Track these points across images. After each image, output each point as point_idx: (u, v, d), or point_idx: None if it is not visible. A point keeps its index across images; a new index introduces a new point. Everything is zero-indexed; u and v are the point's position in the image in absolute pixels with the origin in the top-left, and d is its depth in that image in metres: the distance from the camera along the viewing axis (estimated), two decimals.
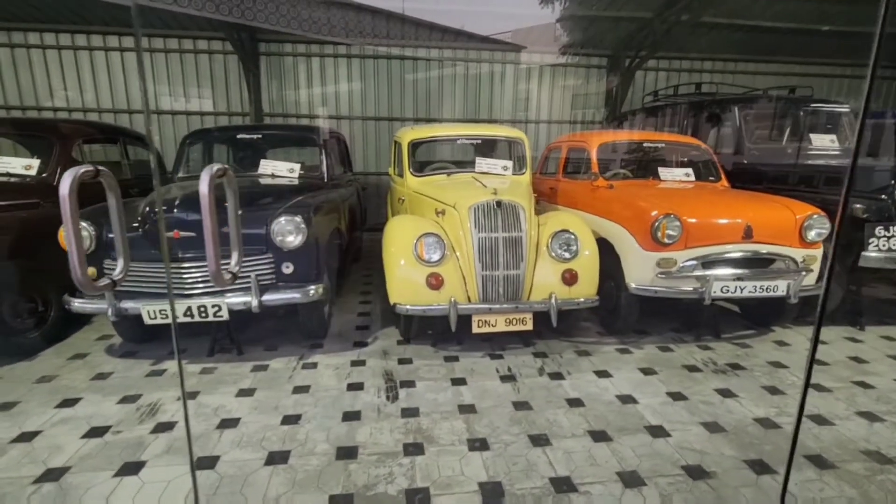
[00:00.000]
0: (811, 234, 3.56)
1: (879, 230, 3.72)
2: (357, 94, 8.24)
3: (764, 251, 3.50)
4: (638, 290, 3.51)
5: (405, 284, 3.29)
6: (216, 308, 2.99)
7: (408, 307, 3.27)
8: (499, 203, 3.32)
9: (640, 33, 7.60)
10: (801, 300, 3.84)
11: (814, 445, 2.52)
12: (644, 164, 4.77)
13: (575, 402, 2.92)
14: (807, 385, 1.18)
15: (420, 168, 4.58)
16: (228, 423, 2.64)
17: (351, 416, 2.73)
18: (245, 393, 2.97)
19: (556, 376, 3.26)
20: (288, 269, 3.18)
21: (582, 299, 3.43)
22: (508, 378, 3.22)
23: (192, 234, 3.01)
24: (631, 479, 2.24)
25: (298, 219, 3.12)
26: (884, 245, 3.73)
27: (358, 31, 7.82)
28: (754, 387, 3.14)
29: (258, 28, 7.40)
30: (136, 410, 2.76)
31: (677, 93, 6.48)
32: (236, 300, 3.02)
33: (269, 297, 3.10)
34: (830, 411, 2.86)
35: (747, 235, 3.47)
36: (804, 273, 3.48)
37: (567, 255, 3.41)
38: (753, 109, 5.19)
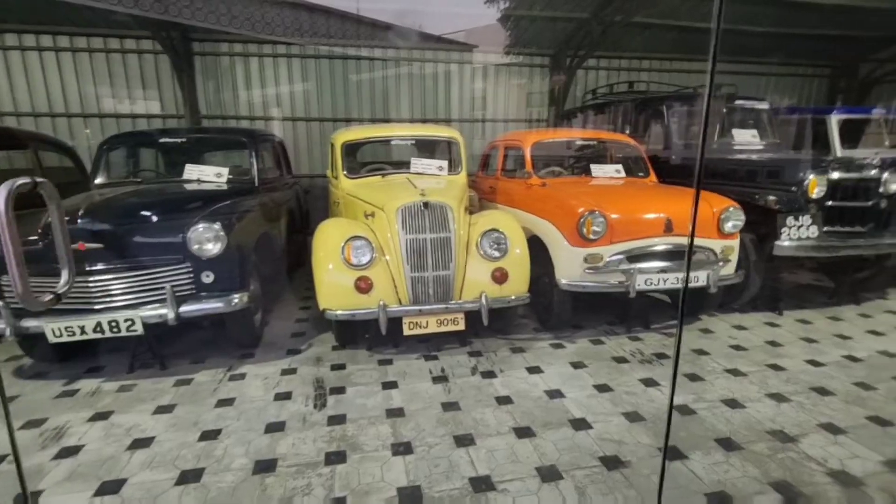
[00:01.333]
0: (728, 226, 3.73)
1: (790, 220, 3.94)
2: (304, 95, 8.06)
3: (685, 243, 3.64)
4: (567, 286, 3.58)
5: (334, 289, 3.23)
6: (129, 322, 2.84)
7: (337, 312, 3.21)
8: (426, 204, 3.31)
9: (578, 32, 7.77)
10: (722, 289, 4.03)
11: (724, 429, 2.64)
12: (577, 161, 4.88)
13: (504, 400, 2.95)
14: (674, 381, 1.22)
15: (357, 170, 4.51)
16: (141, 443, 2.51)
17: (274, 428, 2.66)
18: (164, 410, 2.84)
19: (489, 375, 3.28)
20: (208, 278, 3.06)
21: (513, 297, 3.47)
22: (440, 379, 3.21)
23: (100, 245, 2.84)
24: (549, 474, 2.27)
25: (217, 226, 3.01)
26: (794, 234, 3.95)
27: (310, 31, 7.64)
28: (676, 375, 3.26)
29: (193, 27, 7.15)
30: (40, 436, 2.59)
31: (612, 91, 6.66)
32: (151, 313, 2.88)
33: (188, 309, 2.98)
34: (744, 395, 3.00)
35: (668, 229, 3.60)
36: (722, 263, 3.64)
37: (497, 253, 3.44)
38: (680, 107, 5.40)
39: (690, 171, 5.10)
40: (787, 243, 3.94)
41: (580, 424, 2.69)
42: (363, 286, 3.22)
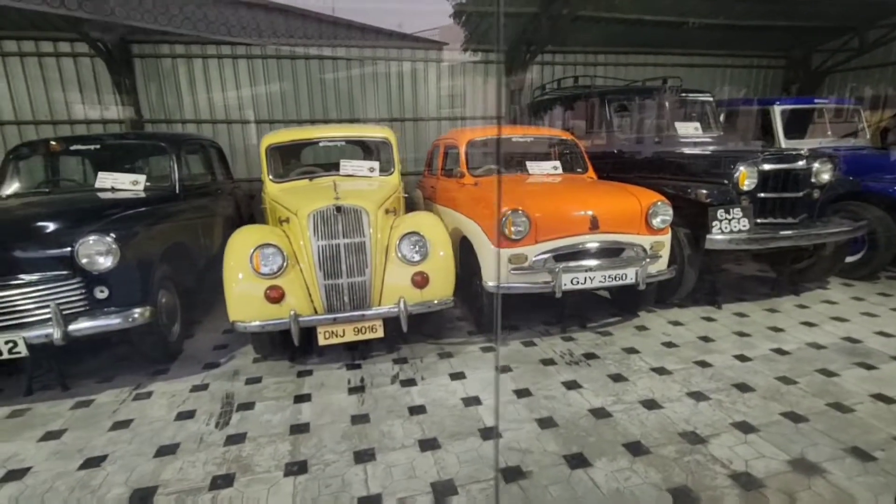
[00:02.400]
0: (656, 221, 3.67)
1: (721, 213, 3.90)
2: (253, 98, 7.83)
3: (611, 240, 3.57)
4: (493, 288, 3.49)
5: (243, 300, 3.08)
6: (11, 344, 2.66)
7: (247, 324, 3.06)
8: (338, 208, 3.18)
9: (530, 26, 7.68)
10: (656, 285, 3.98)
11: (636, 432, 2.57)
12: (515, 158, 4.79)
13: (417, 410, 2.84)
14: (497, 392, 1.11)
15: (284, 173, 4.36)
16: (14, 476, 2.34)
17: (166, 451, 2.51)
18: (51, 436, 2.67)
19: (409, 383, 3.17)
20: (102, 293, 2.89)
21: (435, 301, 3.35)
22: (357, 390, 3.09)
23: None
24: (444, 489, 2.17)
25: (109, 238, 2.84)
26: (726, 227, 3.91)
27: (264, 31, 7.42)
28: (601, 376, 3.19)
29: (132, 29, 6.89)
30: None
31: (560, 87, 6.60)
32: (35, 333, 2.71)
33: (79, 327, 2.80)
34: (664, 395, 2.94)
35: (593, 226, 3.53)
36: (648, 260, 3.57)
37: (416, 257, 3.32)
38: (621, 101, 5.35)
39: (633, 165, 5.06)
40: (718, 237, 3.89)
41: (490, 433, 2.59)
42: (274, 296, 3.07)
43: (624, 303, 4.28)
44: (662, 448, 2.43)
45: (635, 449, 2.42)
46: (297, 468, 2.35)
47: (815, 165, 4.16)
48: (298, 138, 4.45)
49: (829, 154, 4.22)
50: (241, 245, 3.17)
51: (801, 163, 4.04)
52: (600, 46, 9.12)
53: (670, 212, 3.71)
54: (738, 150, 4.25)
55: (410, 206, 5.38)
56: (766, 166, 4.04)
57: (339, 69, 8.13)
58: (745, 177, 3.96)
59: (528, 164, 4.57)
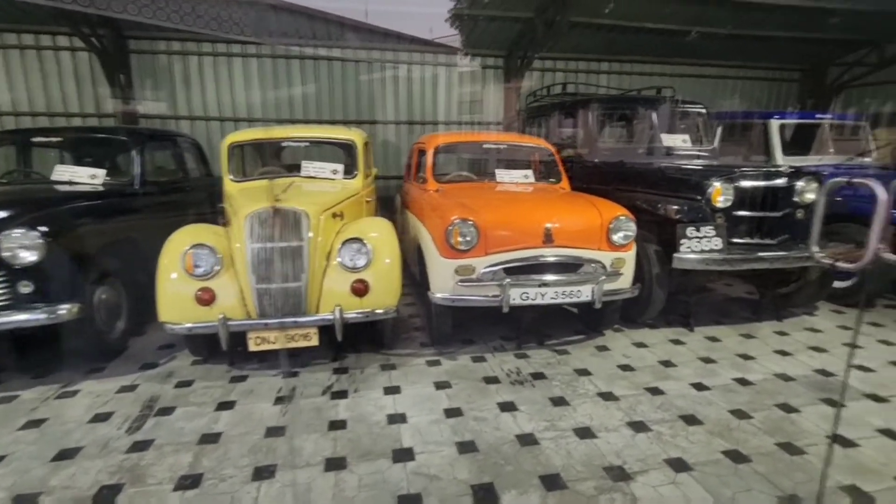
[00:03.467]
0: (617, 237, 3.48)
1: (691, 231, 3.68)
2: (247, 97, 7.84)
3: (565, 255, 3.38)
4: (439, 300, 3.34)
5: (173, 300, 3.01)
6: None
7: (175, 326, 2.98)
8: (276, 210, 3.08)
9: (527, 32, 7.53)
10: (620, 303, 3.79)
11: (559, 463, 2.39)
12: (487, 165, 4.64)
13: (338, 425, 2.71)
14: None
15: (244, 172, 4.29)
16: None
17: (66, 455, 2.43)
18: None
19: (340, 395, 3.04)
20: (27, 287, 2.84)
21: (380, 310, 3.22)
22: (284, 399, 2.98)
23: None
24: None
25: (35, 232, 2.79)
26: (695, 246, 3.69)
27: (260, 30, 7.45)
28: (542, 398, 3.01)
29: (128, 24, 6.96)
30: None
31: (549, 94, 6.42)
32: None
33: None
34: (603, 423, 2.75)
35: (547, 239, 3.35)
36: (604, 277, 3.38)
37: (357, 264, 3.20)
38: (606, 110, 5.16)
39: (613, 176, 4.85)
40: (688, 255, 3.67)
41: (403, 455, 2.44)
42: (204, 297, 2.99)
43: (589, 320, 4.08)
44: (581, 483, 2.24)
45: (551, 483, 2.25)
46: (189, 482, 2.24)
47: (799, 184, 3.91)
48: (261, 137, 4.38)
49: (814, 172, 3.96)
50: (177, 244, 3.10)
51: (780, 180, 3.79)
52: (605, 55, 8.91)
53: (633, 227, 3.51)
54: (714, 165, 4.01)
55: (392, 212, 5.30)
56: (744, 183, 3.81)
57: (337, 70, 8.10)
58: (719, 193, 3.74)
59: (498, 171, 4.41)
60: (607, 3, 6.30)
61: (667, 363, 3.52)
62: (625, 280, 3.59)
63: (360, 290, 3.18)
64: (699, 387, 3.18)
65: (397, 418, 2.78)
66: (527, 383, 3.21)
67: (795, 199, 3.94)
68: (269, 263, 3.05)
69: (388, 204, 5.78)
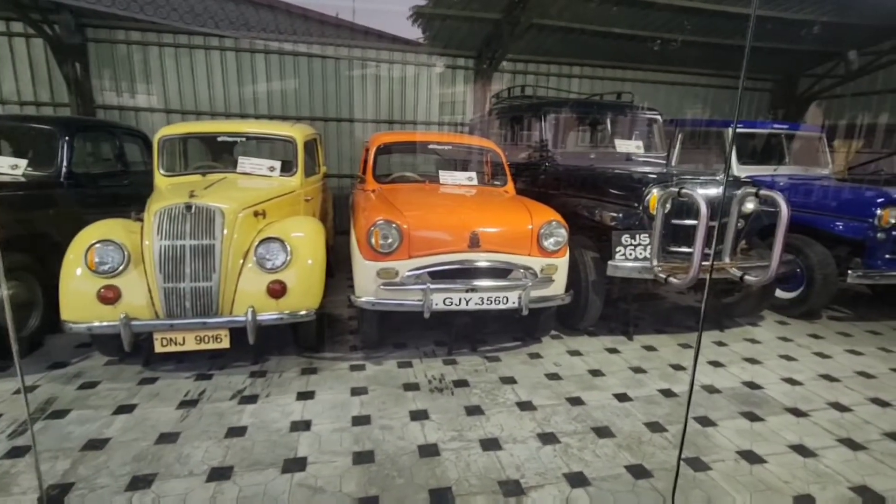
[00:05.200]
0: (548, 243, 3.41)
1: (626, 239, 3.63)
2: (210, 89, 7.69)
3: (492, 260, 3.31)
4: (360, 303, 3.25)
5: (75, 298, 2.88)
6: None
7: (74, 325, 2.85)
8: (188, 207, 2.96)
9: (496, 34, 7.46)
10: (553, 310, 3.72)
11: (454, 476, 2.30)
12: (433, 166, 4.56)
13: (236, 432, 2.60)
14: None
15: (177, 167, 4.16)
16: None
17: None
18: None
19: (250, 400, 2.93)
20: None
21: (302, 312, 3.12)
22: (189, 403, 2.86)
23: None
24: None
25: None
26: (630, 254, 3.64)
27: (244, 24, 7.31)
28: (457, 407, 2.93)
29: (84, 11, 6.80)
30: None
31: (510, 96, 6.36)
32: None
33: None
34: (512, 434, 2.67)
35: (473, 244, 3.27)
36: (531, 284, 3.30)
37: (274, 264, 3.09)
38: (558, 114, 5.09)
39: (562, 181, 4.79)
40: (622, 263, 3.61)
41: (294, 465, 2.34)
42: (108, 296, 2.86)
43: (526, 327, 4.01)
44: (470, 498, 2.16)
45: (439, 498, 2.16)
46: (57, 492, 2.12)
47: (738, 193, 3.87)
48: (194, 132, 4.26)
49: (754, 182, 3.93)
50: (83, 240, 2.97)
51: (718, 190, 3.75)
52: (577, 59, 8.87)
53: (564, 233, 3.45)
54: (654, 172, 3.96)
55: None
56: (684, 191, 3.75)
57: (304, 66, 7.97)
58: (656, 201, 3.68)
59: (442, 173, 4.33)
60: (565, 4, 6.23)
61: (596, 372, 3.46)
62: (557, 287, 3.52)
63: (277, 291, 3.07)
64: (622, 397, 3.11)
65: (301, 425, 2.68)
66: (446, 391, 3.13)
67: (735, 208, 3.90)
68: (179, 262, 2.94)
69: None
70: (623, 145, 5.07)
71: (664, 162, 5.20)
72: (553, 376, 3.38)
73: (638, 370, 3.51)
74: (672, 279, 3.14)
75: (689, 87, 9.68)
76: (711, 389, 3.26)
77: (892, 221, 4.32)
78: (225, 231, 3.02)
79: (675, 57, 8.71)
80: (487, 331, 4.06)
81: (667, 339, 4.13)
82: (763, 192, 2.01)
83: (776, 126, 5.85)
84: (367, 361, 3.51)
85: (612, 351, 3.84)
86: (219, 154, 5.03)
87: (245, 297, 3.05)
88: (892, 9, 7.13)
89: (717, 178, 3.76)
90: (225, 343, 3.02)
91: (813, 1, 7.01)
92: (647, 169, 4.20)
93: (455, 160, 4.59)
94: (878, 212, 4.33)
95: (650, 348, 3.92)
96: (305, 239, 3.29)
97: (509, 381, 3.29)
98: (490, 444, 2.57)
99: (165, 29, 7.28)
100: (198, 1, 7.05)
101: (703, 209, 1.68)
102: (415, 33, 7.54)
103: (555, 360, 3.63)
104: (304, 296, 3.16)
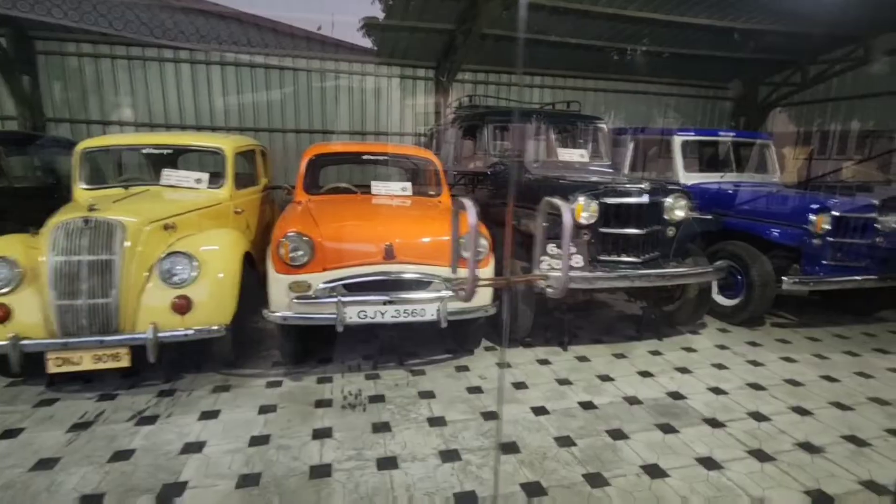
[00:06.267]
0: (468, 253, 3.34)
1: (552, 248, 3.57)
2: (164, 100, 7.61)
3: (408, 272, 3.24)
4: (273, 318, 3.15)
5: None
6: None
7: None
8: (86, 221, 2.87)
9: (452, 44, 7.48)
10: (482, 321, 3.66)
11: (338, 500, 2.21)
12: (369, 176, 4.50)
13: (122, 456, 2.49)
14: None
15: (98, 180, 4.06)
16: None
17: None
18: None
19: (148, 421, 2.82)
20: None
21: (215, 327, 3.01)
22: (82, 426, 2.74)
23: None
24: None
25: None
26: (556, 263, 3.58)
27: (199, 35, 7.26)
28: (365, 424, 2.84)
29: (34, 23, 6.70)
30: None
31: (461, 106, 6.36)
32: None
33: None
34: (413, 452, 2.58)
35: (388, 255, 3.20)
36: (447, 296, 3.23)
37: (179, 278, 3.00)
38: (500, 123, 5.07)
39: (499, 191, 4.76)
40: (549, 273, 3.56)
41: (171, 491, 2.23)
42: None
43: (455, 338, 3.94)
44: None
45: None
46: None
47: (668, 201, 3.86)
48: (116, 144, 4.17)
49: (682, 189, 3.91)
50: None
51: (643, 198, 3.73)
52: (537, 69, 8.92)
53: (485, 243, 3.40)
54: (582, 180, 3.93)
55: None
56: (609, 199, 3.73)
57: (261, 77, 7.93)
58: (581, 209, 3.65)
59: (374, 184, 4.27)
60: (509, 12, 6.25)
61: (520, 385, 3.39)
62: (480, 298, 3.45)
63: (182, 306, 2.97)
64: (539, 411, 3.04)
65: (194, 447, 2.57)
66: (359, 407, 3.03)
67: (665, 216, 3.89)
68: (74, 278, 2.83)
69: None
70: (567, 154, 5.06)
71: (611, 170, 5.18)
72: (475, 390, 3.30)
73: (564, 382, 3.45)
74: (549, 289, 3.04)
75: (653, 96, 9.77)
76: (633, 401, 3.20)
77: (826, 228, 4.33)
78: (127, 245, 2.93)
79: (635, 67, 8.79)
80: (418, 343, 3.98)
81: (603, 349, 4.07)
82: (548, 198, 2.00)
83: (722, 134, 5.88)
84: (285, 377, 3.41)
85: (544, 362, 3.77)
86: (160, 167, 4.94)
87: (148, 314, 2.95)
88: (844, 19, 7.25)
89: (642, 185, 3.74)
90: (125, 362, 2.91)
91: (770, 11, 7.11)
92: (578, 177, 4.18)
93: (393, 171, 4.53)
94: (813, 218, 4.34)
95: (583, 359, 3.86)
96: (218, 252, 3.21)
97: (428, 395, 3.21)
98: (387, 464, 2.47)
99: (117, 41, 7.21)
100: (148, 12, 7.00)
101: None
102: (373, 44, 7.51)
103: (481, 373, 3.55)
104: (214, 311, 3.06)
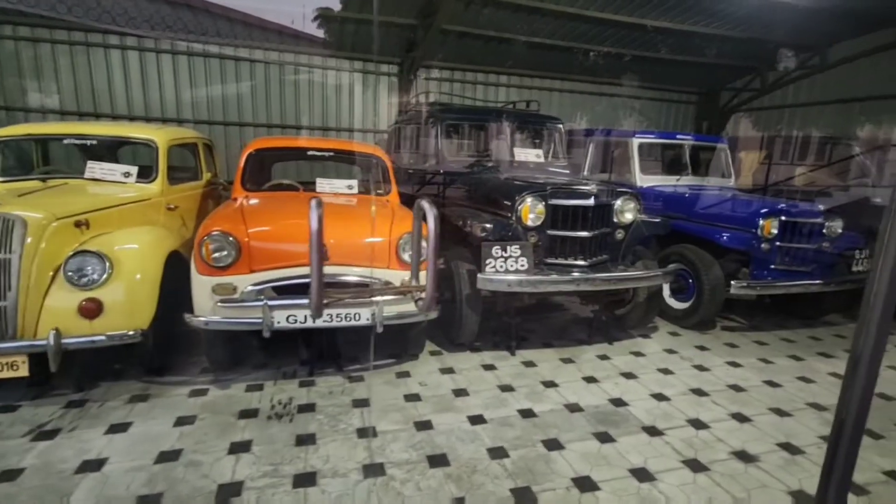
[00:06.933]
0: (407, 255, 3.21)
1: (496, 250, 3.47)
2: (110, 88, 7.21)
3: (341, 273, 3.08)
4: (194, 322, 2.95)
5: None
6: None
7: None
8: None
9: (413, 39, 7.33)
10: (423, 325, 3.53)
11: None
12: (314, 173, 4.32)
13: (7, 476, 2.26)
14: None
15: (14, 171, 3.77)
16: None
17: None
18: None
19: (47, 436, 2.58)
20: None
21: (130, 333, 2.79)
22: None
23: None
24: None
25: None
26: (501, 266, 3.48)
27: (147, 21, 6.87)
28: (289, 436, 2.67)
29: None
30: None
31: (417, 103, 6.21)
32: None
33: None
34: (335, 467, 2.42)
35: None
36: (381, 300, 3.09)
37: (88, 280, 2.76)
38: (454, 122, 4.95)
39: (452, 190, 4.63)
40: (493, 276, 3.45)
41: None
42: None
43: (398, 343, 3.79)
44: None
45: None
46: None
47: (617, 203, 3.80)
48: (37, 133, 3.87)
49: (631, 192, 3.86)
50: None
51: (590, 200, 3.65)
52: (503, 68, 8.83)
53: (424, 245, 3.25)
54: (529, 182, 3.83)
55: None
56: (556, 201, 3.65)
57: (216, 67, 7.60)
58: (528, 211, 3.55)
59: (319, 181, 4.08)
60: (482, 12, 6.16)
61: (461, 392, 3.26)
62: (424, 302, 3.31)
63: (92, 310, 2.74)
64: (476, 420, 2.93)
65: (92, 465, 2.36)
66: (285, 417, 2.86)
67: (615, 219, 3.83)
68: None
69: None
70: (522, 153, 4.96)
71: (567, 171, 5.12)
72: (413, 397, 3.16)
73: (507, 388, 3.34)
74: (419, 303, 2.94)
75: (618, 98, 9.81)
76: (574, 408, 3.12)
77: (774, 232, 4.35)
78: (28, 242, 2.68)
79: (599, 69, 8.80)
80: (363, 348, 3.82)
81: (551, 353, 3.99)
82: (419, 201, 1.93)
83: (679, 137, 5.89)
84: (212, 385, 3.20)
85: (489, 367, 3.66)
86: (98, 161, 4.65)
87: (51, 318, 2.70)
88: (802, 25, 7.38)
89: (588, 187, 3.66)
90: (23, 371, 2.66)
91: (735, 18, 7.18)
92: (529, 177, 4.08)
93: (346, 169, 4.36)
94: (761, 222, 4.35)
95: (530, 364, 3.76)
96: (137, 251, 2.99)
97: (362, 403, 3.06)
98: (304, 480, 2.31)
99: (58, 25, 6.79)
100: None
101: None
102: (328, 36, 7.28)
103: (422, 380, 3.42)
104: (129, 315, 2.84)
